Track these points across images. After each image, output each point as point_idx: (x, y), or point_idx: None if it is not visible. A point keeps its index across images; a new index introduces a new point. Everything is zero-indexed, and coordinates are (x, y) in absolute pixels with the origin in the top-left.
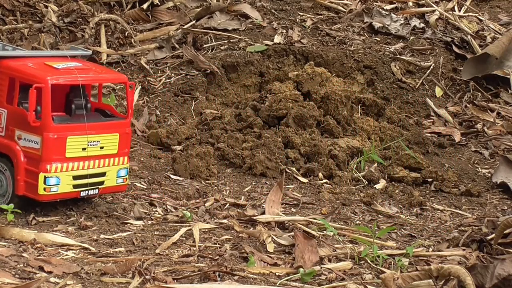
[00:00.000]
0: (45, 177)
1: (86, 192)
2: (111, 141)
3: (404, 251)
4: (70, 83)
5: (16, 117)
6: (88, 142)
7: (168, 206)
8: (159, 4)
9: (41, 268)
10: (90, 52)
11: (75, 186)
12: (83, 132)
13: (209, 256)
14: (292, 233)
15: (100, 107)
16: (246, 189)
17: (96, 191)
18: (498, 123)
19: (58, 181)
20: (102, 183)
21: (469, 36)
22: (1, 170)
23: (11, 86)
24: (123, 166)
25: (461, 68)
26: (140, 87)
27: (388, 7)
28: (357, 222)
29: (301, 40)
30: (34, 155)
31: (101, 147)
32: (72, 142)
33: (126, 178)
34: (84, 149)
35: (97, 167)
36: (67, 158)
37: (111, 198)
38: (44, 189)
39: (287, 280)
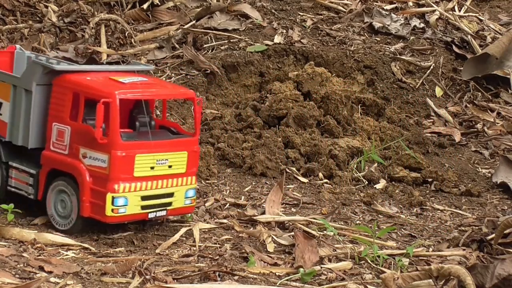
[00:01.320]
0: (113, 198)
1: (154, 213)
2: (180, 159)
3: (404, 251)
4: (138, 98)
5: (80, 135)
6: (157, 160)
7: None
8: (159, 4)
9: (41, 268)
10: (152, 67)
11: (143, 207)
12: (151, 150)
13: (209, 256)
14: (292, 233)
15: (164, 124)
16: (246, 189)
17: (164, 213)
18: (498, 123)
19: (126, 201)
20: (170, 204)
21: (469, 36)
22: (65, 191)
23: (75, 101)
24: (191, 186)
25: (461, 68)
26: None
27: (388, 7)
28: (357, 222)
29: (301, 40)
30: (101, 174)
31: (170, 166)
32: (141, 160)
33: (194, 199)
34: (152, 168)
35: (165, 187)
36: (135, 178)
37: None
38: (112, 210)
39: (287, 280)
